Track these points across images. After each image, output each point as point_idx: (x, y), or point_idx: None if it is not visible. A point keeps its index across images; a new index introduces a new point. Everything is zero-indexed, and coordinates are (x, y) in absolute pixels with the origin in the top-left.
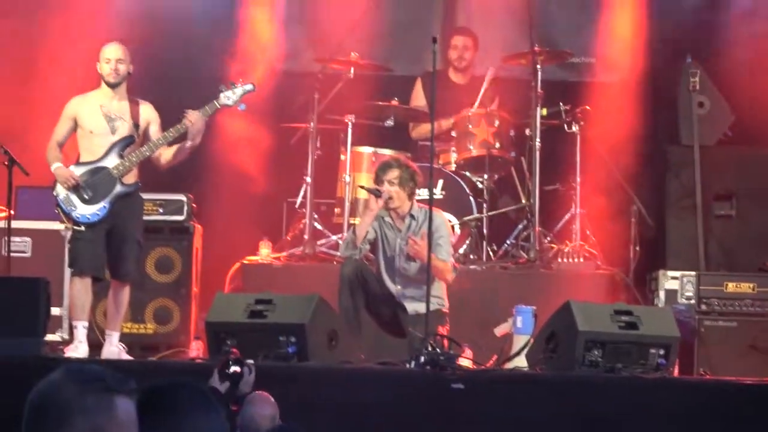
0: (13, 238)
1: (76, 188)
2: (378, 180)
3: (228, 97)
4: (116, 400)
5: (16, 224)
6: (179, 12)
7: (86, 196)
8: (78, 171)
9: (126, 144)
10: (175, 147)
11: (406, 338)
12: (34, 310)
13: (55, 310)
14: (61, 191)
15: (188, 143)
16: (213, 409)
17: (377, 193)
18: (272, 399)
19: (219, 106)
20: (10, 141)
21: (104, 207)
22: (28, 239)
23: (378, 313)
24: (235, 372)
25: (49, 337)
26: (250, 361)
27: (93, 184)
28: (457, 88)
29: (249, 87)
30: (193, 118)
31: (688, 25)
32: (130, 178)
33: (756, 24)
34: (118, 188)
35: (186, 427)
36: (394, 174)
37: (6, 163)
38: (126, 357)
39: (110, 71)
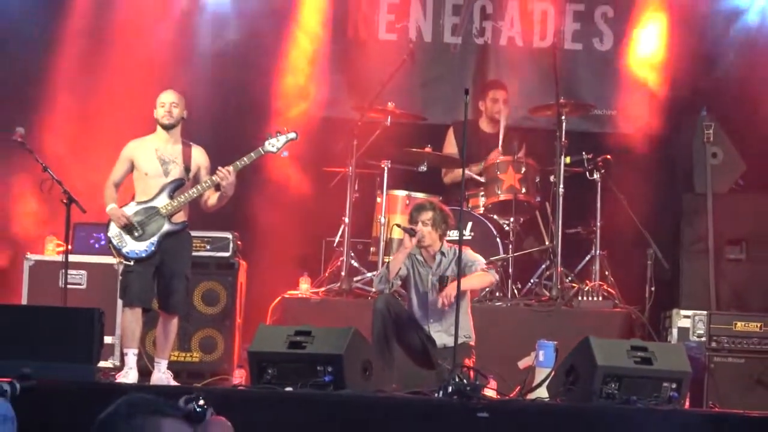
0: (69, 271)
1: (127, 227)
2: (413, 220)
3: (272, 144)
4: (163, 422)
5: (72, 258)
6: (232, 63)
7: (136, 234)
8: (130, 210)
9: (176, 186)
10: (217, 194)
11: (434, 369)
12: (88, 339)
13: (107, 339)
14: (113, 229)
15: (222, 194)
16: None
17: (411, 232)
18: (228, 423)
19: (263, 153)
20: (69, 180)
21: (152, 244)
22: (83, 272)
23: (408, 345)
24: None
25: (101, 363)
26: (172, 382)
27: (143, 223)
28: (487, 136)
29: (292, 135)
30: (222, 174)
31: (703, 80)
32: (179, 218)
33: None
34: (167, 227)
35: None
36: (428, 215)
37: (65, 201)
38: (173, 383)
39: (165, 113)
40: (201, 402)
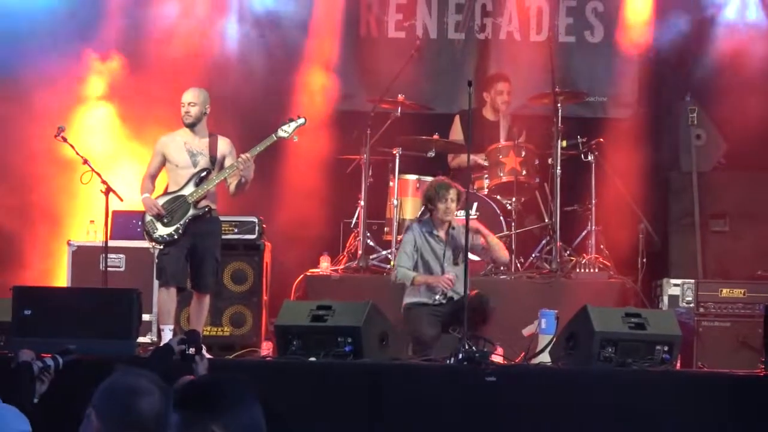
0: (109, 255)
1: (158, 215)
2: (440, 197)
3: (285, 131)
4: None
5: (112, 243)
6: (257, 61)
7: (166, 220)
8: (162, 200)
9: (202, 176)
10: (237, 180)
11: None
12: (127, 317)
13: (145, 317)
14: (147, 217)
15: (242, 179)
16: (254, 404)
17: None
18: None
19: (276, 138)
20: (108, 172)
21: (179, 227)
22: (122, 256)
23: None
24: (189, 353)
25: (140, 339)
26: (206, 355)
27: (172, 210)
28: (490, 124)
29: (301, 121)
30: (243, 158)
31: (687, 68)
32: (203, 203)
33: (744, 66)
34: (192, 212)
35: (229, 418)
36: (453, 193)
37: (104, 191)
38: (206, 356)
39: (184, 114)
40: (192, 350)
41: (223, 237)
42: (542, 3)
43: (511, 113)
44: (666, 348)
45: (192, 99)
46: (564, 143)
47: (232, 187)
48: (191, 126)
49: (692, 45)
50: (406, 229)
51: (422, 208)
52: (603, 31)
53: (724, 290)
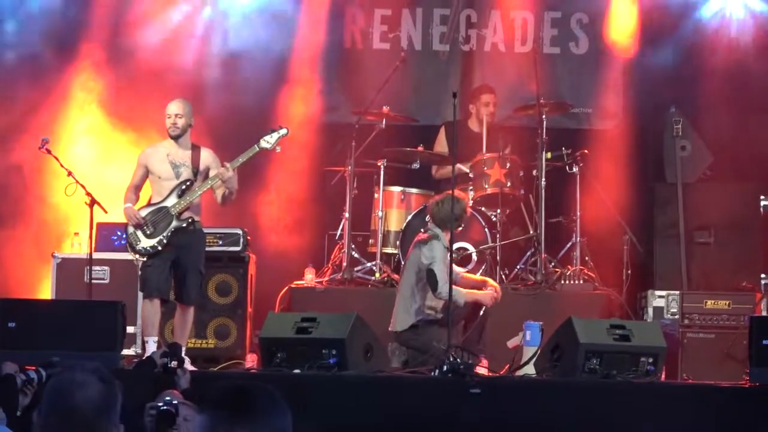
0: (94, 267)
1: (139, 225)
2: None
3: (267, 141)
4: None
5: (96, 255)
6: (242, 75)
7: (148, 232)
8: (144, 211)
9: (184, 187)
10: (223, 190)
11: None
12: (112, 329)
13: (129, 329)
14: (130, 228)
15: (227, 191)
16: (285, 414)
17: None
18: (177, 393)
19: (259, 149)
20: (92, 184)
21: (162, 239)
22: (106, 268)
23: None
24: (171, 366)
25: (125, 351)
26: (189, 368)
27: (154, 221)
28: (475, 136)
29: (284, 131)
30: (222, 170)
31: (672, 80)
32: (186, 214)
33: (729, 78)
34: (174, 223)
35: (258, 424)
36: None
37: (88, 203)
38: (191, 368)
39: (170, 125)
40: (174, 363)
41: (208, 249)
42: (527, 14)
43: (496, 124)
44: (651, 360)
45: (178, 111)
46: (549, 154)
47: (218, 198)
48: (177, 138)
49: (677, 56)
50: (434, 241)
51: (444, 227)
52: (588, 42)
53: (709, 302)
